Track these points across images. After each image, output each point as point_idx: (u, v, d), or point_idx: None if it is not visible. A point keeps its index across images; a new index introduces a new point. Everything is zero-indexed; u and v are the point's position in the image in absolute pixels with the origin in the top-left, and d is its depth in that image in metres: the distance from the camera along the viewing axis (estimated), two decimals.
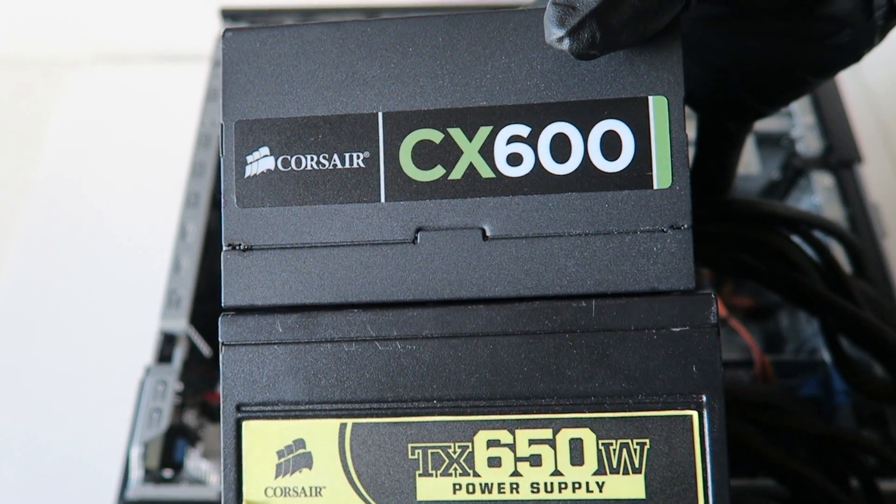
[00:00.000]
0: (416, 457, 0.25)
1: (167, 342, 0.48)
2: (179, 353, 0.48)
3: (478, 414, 0.25)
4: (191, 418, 0.49)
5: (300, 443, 0.26)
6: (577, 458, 0.25)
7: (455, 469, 0.25)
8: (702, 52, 0.29)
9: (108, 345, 0.68)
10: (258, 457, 0.26)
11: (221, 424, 0.26)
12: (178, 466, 0.46)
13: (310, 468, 0.26)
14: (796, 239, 0.38)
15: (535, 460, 0.25)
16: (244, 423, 0.26)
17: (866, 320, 0.36)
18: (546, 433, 0.25)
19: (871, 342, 0.36)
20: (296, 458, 0.26)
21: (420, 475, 0.25)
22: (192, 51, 0.82)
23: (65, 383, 0.68)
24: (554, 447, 0.25)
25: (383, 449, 0.25)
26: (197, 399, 0.50)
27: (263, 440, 0.26)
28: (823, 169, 0.57)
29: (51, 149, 0.83)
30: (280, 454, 0.26)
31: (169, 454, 0.46)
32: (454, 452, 0.25)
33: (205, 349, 0.54)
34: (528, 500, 0.25)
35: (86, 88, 0.87)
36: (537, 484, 0.25)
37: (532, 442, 0.25)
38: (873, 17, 0.26)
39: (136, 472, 0.43)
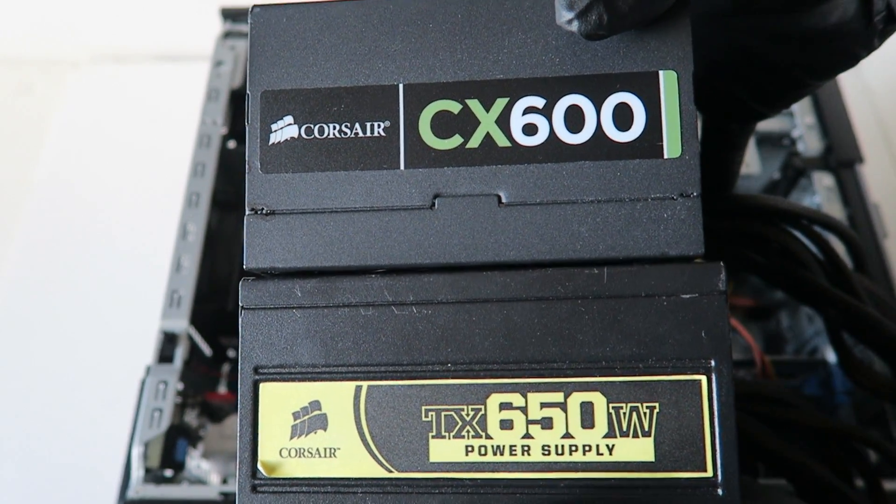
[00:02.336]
0: (429, 419, 0.26)
1: (168, 342, 0.48)
2: (180, 353, 0.48)
3: (491, 377, 0.26)
4: (191, 418, 0.49)
5: (316, 404, 0.26)
6: (587, 421, 0.25)
7: (468, 431, 0.25)
8: (701, 50, 0.29)
9: (108, 344, 0.68)
10: (274, 418, 0.26)
11: (239, 386, 0.27)
12: (178, 466, 0.46)
13: (325, 429, 0.26)
14: (798, 234, 0.38)
15: (547, 423, 0.25)
16: (261, 385, 0.27)
17: (870, 316, 0.36)
18: (557, 396, 0.25)
19: (874, 338, 0.36)
20: (311, 420, 0.26)
21: (433, 437, 0.26)
22: (192, 51, 0.82)
23: (65, 383, 0.68)
24: (565, 410, 0.25)
25: (397, 411, 0.26)
26: (197, 399, 0.50)
27: (280, 402, 0.26)
28: (824, 169, 0.57)
29: (51, 149, 0.83)
30: (296, 416, 0.26)
31: (170, 454, 0.46)
32: (467, 415, 0.26)
33: (205, 349, 0.54)
34: (539, 462, 0.25)
35: (86, 88, 0.87)
36: (548, 446, 0.25)
37: (544, 405, 0.25)
38: (873, 21, 0.26)
39: (137, 472, 0.43)
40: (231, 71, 0.59)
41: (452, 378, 0.26)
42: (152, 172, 0.77)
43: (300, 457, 0.26)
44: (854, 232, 0.44)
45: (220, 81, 0.58)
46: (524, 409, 0.25)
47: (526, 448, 0.25)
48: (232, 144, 0.59)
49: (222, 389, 0.57)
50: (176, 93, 0.81)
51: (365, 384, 0.26)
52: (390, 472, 0.26)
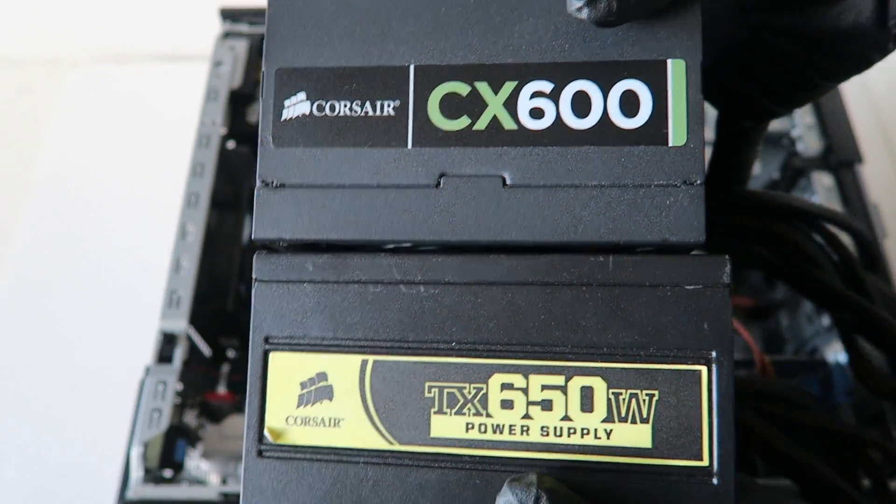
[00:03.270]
0: (431, 395, 0.26)
1: (167, 342, 0.48)
2: (179, 353, 0.48)
3: (494, 358, 0.26)
4: (191, 418, 0.49)
5: (322, 376, 0.27)
6: (587, 405, 0.25)
7: (469, 409, 0.26)
8: (714, 45, 0.29)
9: (108, 345, 0.68)
10: (282, 387, 0.27)
11: (250, 355, 0.27)
12: (178, 466, 0.46)
13: (330, 400, 0.27)
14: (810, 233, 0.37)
15: (547, 405, 0.26)
16: (271, 355, 0.27)
17: (883, 318, 0.35)
18: (558, 380, 0.26)
19: (886, 341, 0.35)
20: (318, 390, 0.27)
21: (435, 413, 0.26)
22: (192, 51, 0.82)
23: (65, 383, 0.68)
24: (565, 393, 0.25)
25: (401, 386, 0.26)
26: (197, 399, 0.50)
27: (288, 371, 0.27)
28: (823, 169, 0.57)
29: (51, 149, 0.83)
30: (303, 385, 0.27)
31: (169, 454, 0.46)
32: (469, 393, 0.26)
33: (205, 349, 0.54)
34: (538, 443, 0.25)
35: (86, 88, 0.87)
36: (547, 427, 0.25)
37: (544, 387, 0.26)
38: (887, 25, 0.26)
39: (137, 472, 0.43)
40: (230, 71, 0.59)
41: (456, 357, 0.26)
42: (152, 172, 0.77)
43: (305, 425, 0.27)
44: (867, 231, 0.44)
45: (219, 81, 0.58)
46: (525, 391, 0.26)
47: (525, 428, 0.26)
48: (231, 145, 0.59)
49: (221, 390, 0.57)
50: (175, 93, 0.81)
51: (371, 358, 0.27)
52: (391, 444, 0.26)
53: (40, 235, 0.77)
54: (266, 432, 0.27)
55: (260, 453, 0.27)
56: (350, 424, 0.26)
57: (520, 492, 0.23)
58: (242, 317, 0.56)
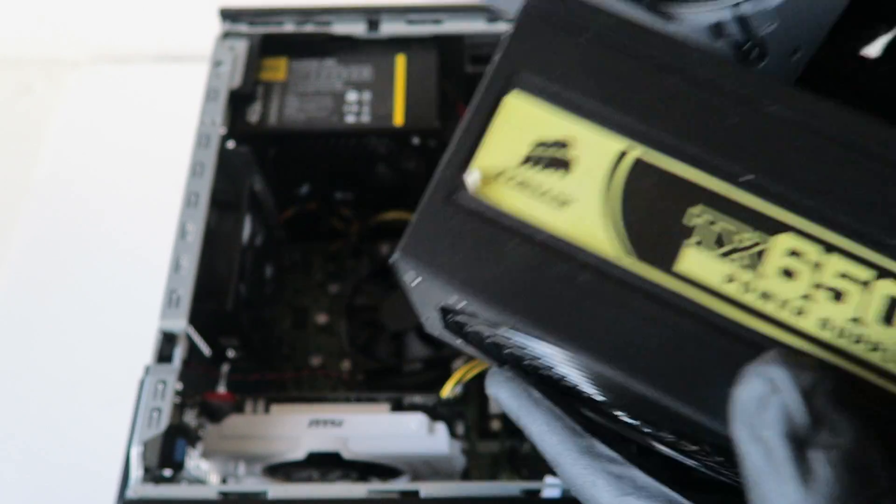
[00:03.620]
0: (693, 224, 0.22)
1: (167, 342, 0.48)
2: (179, 353, 0.48)
3: (795, 214, 0.21)
4: (190, 418, 0.49)
5: (566, 144, 0.23)
6: (889, 317, 0.20)
7: (737, 259, 0.21)
8: None
9: (107, 344, 0.68)
10: (510, 135, 0.23)
11: (485, 82, 0.23)
12: (177, 466, 0.46)
13: (566, 173, 0.22)
14: None
15: (838, 296, 0.21)
16: (512, 93, 0.23)
17: None
18: (865, 273, 0.21)
19: None
20: (555, 157, 0.23)
21: (690, 245, 0.22)
22: (192, 51, 0.82)
23: (64, 383, 0.68)
24: (868, 292, 0.21)
25: (660, 197, 0.22)
26: (196, 399, 0.50)
27: (525, 121, 0.23)
28: None
29: (51, 149, 0.83)
30: (540, 144, 0.23)
31: (168, 453, 0.46)
32: (743, 241, 0.21)
33: (204, 349, 0.54)
34: (810, 334, 0.21)
35: (86, 88, 0.87)
36: (828, 321, 0.21)
37: (843, 276, 0.21)
38: None
39: (136, 472, 0.43)
40: (230, 71, 0.59)
41: (747, 192, 0.21)
42: (151, 172, 0.77)
43: (521, 187, 0.22)
44: None
45: (219, 81, 0.58)
46: (817, 267, 0.21)
47: (800, 310, 0.21)
48: (231, 144, 0.59)
49: (221, 389, 0.57)
50: (175, 93, 0.81)
51: (637, 151, 0.22)
52: (621, 255, 0.22)
53: (40, 235, 0.77)
54: (471, 175, 0.22)
55: (448, 199, 0.23)
56: (579, 212, 0.22)
57: (798, 371, 0.18)
58: (242, 316, 0.56)
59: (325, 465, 0.50)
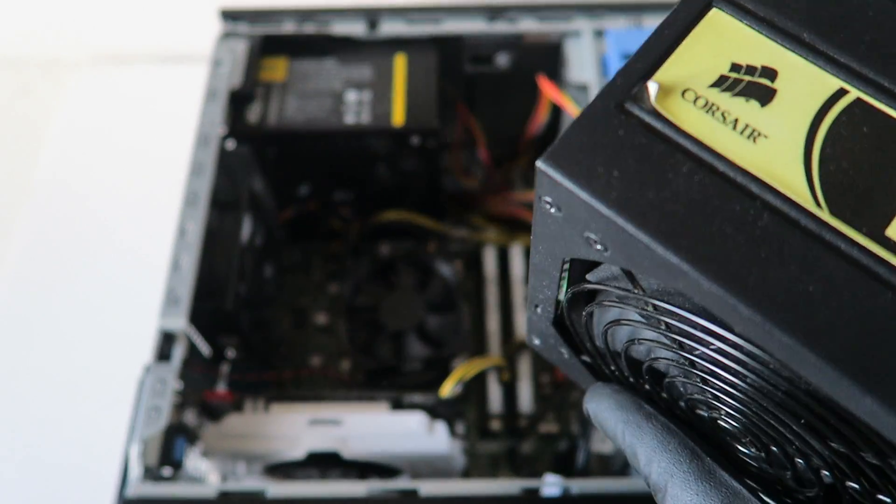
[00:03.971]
0: None
1: (166, 341, 0.48)
2: (178, 352, 0.48)
3: None
4: (190, 417, 0.49)
5: (771, 73, 0.20)
6: None
7: None
8: None
9: (107, 343, 0.68)
10: (710, 53, 0.20)
11: None
12: (177, 465, 0.46)
13: (762, 106, 0.20)
14: None
15: None
16: (719, 11, 0.21)
17: None
18: None
19: None
20: (753, 84, 0.20)
21: None
22: (192, 51, 0.82)
23: (64, 382, 0.68)
24: None
25: (879, 151, 0.19)
26: (196, 398, 0.50)
27: (731, 43, 0.20)
28: None
29: (51, 149, 0.83)
30: (736, 67, 0.20)
31: (168, 452, 0.46)
32: None
33: (204, 348, 0.54)
34: None
35: (86, 88, 0.87)
36: None
37: None
38: None
39: (136, 470, 0.43)
40: (230, 71, 0.59)
41: None
42: (151, 172, 0.77)
43: (709, 111, 0.20)
44: None
45: (219, 82, 0.58)
46: None
47: None
48: (231, 144, 0.59)
49: (221, 388, 0.57)
50: (175, 93, 0.81)
51: (856, 94, 0.19)
52: (819, 210, 0.18)
53: (40, 235, 0.77)
54: (650, 87, 0.20)
55: (618, 106, 0.20)
56: (771, 150, 0.19)
57: None
58: (242, 316, 0.56)
59: (325, 464, 0.50)
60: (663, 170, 0.19)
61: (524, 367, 0.63)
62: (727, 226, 0.18)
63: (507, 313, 0.65)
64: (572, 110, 0.57)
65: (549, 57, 0.62)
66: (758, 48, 0.20)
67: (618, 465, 0.53)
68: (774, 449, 0.23)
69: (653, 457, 0.24)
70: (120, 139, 0.82)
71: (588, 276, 0.25)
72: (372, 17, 0.62)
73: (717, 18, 0.21)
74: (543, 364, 0.64)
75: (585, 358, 0.30)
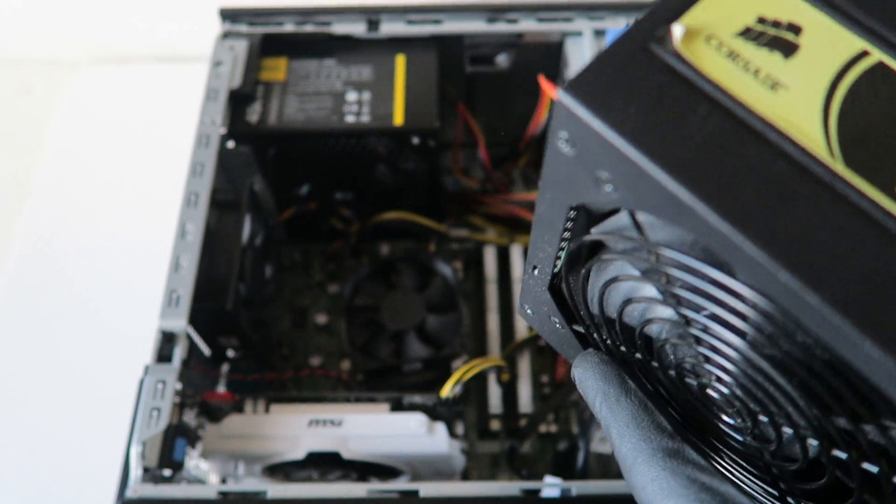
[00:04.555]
0: None
1: (166, 341, 0.48)
2: (179, 353, 0.48)
3: None
4: (190, 418, 0.49)
5: (796, 29, 0.21)
6: None
7: None
8: None
9: (107, 344, 0.68)
10: (734, 4, 0.21)
11: None
12: (177, 465, 0.46)
13: (784, 58, 0.20)
14: None
15: None
16: None
17: None
18: None
19: None
20: (778, 38, 0.21)
21: None
22: (192, 51, 0.83)
23: (65, 382, 0.68)
24: None
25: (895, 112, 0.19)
26: (196, 398, 0.50)
27: None
28: None
29: (51, 149, 0.83)
30: (765, 21, 0.21)
31: (168, 453, 0.46)
32: None
33: (204, 349, 0.54)
34: None
35: (86, 88, 0.87)
36: None
37: None
38: None
39: (136, 471, 0.43)
40: (230, 71, 0.59)
41: None
42: (151, 172, 0.77)
43: (730, 61, 0.20)
44: None
45: (219, 81, 0.58)
46: None
47: None
48: (231, 144, 0.59)
49: (221, 389, 0.57)
50: (175, 93, 0.81)
51: (878, 56, 0.20)
52: (833, 161, 0.19)
53: (40, 235, 0.77)
54: (675, 29, 0.20)
55: (642, 47, 0.20)
56: (792, 100, 0.20)
57: None
58: (242, 316, 0.56)
59: (325, 464, 0.50)
60: (681, 109, 0.19)
61: (524, 367, 0.63)
62: (740, 168, 0.19)
63: (507, 313, 0.65)
64: None
65: (549, 57, 0.62)
66: (785, 4, 0.21)
67: (617, 466, 0.53)
68: (762, 418, 0.23)
69: (625, 432, 0.24)
70: (120, 139, 0.82)
71: (592, 229, 0.25)
72: (372, 16, 0.62)
73: None
74: (543, 364, 0.64)
75: (578, 328, 0.30)
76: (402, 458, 0.50)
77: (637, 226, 0.23)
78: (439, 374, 0.59)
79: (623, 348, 0.27)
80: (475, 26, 0.61)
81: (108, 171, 0.80)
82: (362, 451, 0.49)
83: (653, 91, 0.20)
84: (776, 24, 0.21)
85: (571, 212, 0.24)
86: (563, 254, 0.27)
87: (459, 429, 0.52)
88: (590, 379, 0.27)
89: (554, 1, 0.61)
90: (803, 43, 0.20)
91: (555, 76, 0.62)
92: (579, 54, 0.58)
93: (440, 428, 0.50)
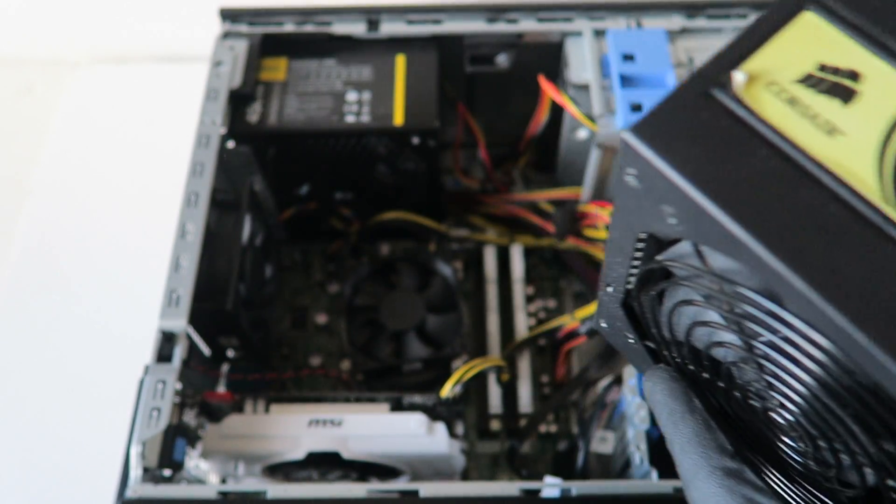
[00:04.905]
0: None
1: (166, 341, 0.48)
2: (179, 353, 0.48)
3: None
4: (190, 418, 0.49)
5: (854, 76, 0.21)
6: None
7: None
8: None
9: (107, 343, 0.68)
10: (799, 51, 0.22)
11: None
12: (177, 466, 0.46)
13: (844, 104, 0.21)
14: None
15: None
16: (812, 13, 0.22)
17: None
18: None
19: None
20: (837, 84, 0.21)
21: None
22: (192, 51, 0.83)
23: (65, 382, 0.68)
24: None
25: None
26: (196, 398, 0.50)
27: (821, 43, 0.22)
28: None
29: (51, 149, 0.83)
30: (823, 68, 0.22)
31: (168, 453, 0.46)
32: None
33: (204, 349, 0.54)
34: None
35: (86, 88, 0.87)
36: None
37: None
38: None
39: (135, 471, 0.43)
40: (230, 71, 0.59)
41: None
42: (151, 172, 0.77)
43: (790, 105, 0.21)
44: None
45: (219, 81, 0.58)
46: None
47: None
48: (231, 144, 0.59)
49: (221, 389, 0.57)
50: (175, 93, 0.81)
51: None
52: (887, 207, 0.19)
53: (40, 235, 0.77)
54: (737, 76, 0.21)
55: (705, 92, 0.21)
56: (849, 146, 0.20)
57: None
58: (242, 316, 0.56)
59: (325, 464, 0.50)
60: (740, 152, 0.20)
61: (524, 367, 0.63)
62: (794, 210, 0.19)
63: (507, 313, 0.65)
64: (573, 110, 0.57)
65: (549, 57, 0.62)
66: (845, 51, 0.22)
67: (617, 466, 0.53)
68: (822, 444, 0.24)
69: (687, 448, 0.25)
70: (120, 139, 0.82)
71: (658, 257, 0.26)
72: (372, 16, 0.62)
73: (808, 19, 0.22)
74: (543, 364, 0.64)
75: (650, 343, 0.31)
76: (402, 458, 0.50)
77: (699, 254, 0.24)
78: (439, 374, 0.59)
79: (691, 367, 0.28)
80: (475, 26, 0.61)
81: (108, 170, 0.80)
82: (362, 451, 0.49)
83: (714, 134, 0.21)
84: (836, 71, 0.21)
85: (641, 237, 0.25)
86: (633, 275, 0.28)
87: (459, 429, 0.52)
88: (658, 394, 0.28)
89: (554, 1, 0.61)
90: (862, 90, 0.21)
91: (555, 76, 0.62)
92: (579, 54, 0.58)
93: (440, 428, 0.50)
